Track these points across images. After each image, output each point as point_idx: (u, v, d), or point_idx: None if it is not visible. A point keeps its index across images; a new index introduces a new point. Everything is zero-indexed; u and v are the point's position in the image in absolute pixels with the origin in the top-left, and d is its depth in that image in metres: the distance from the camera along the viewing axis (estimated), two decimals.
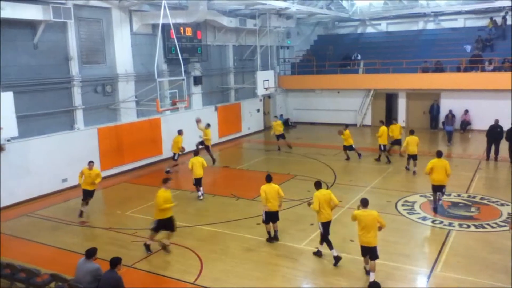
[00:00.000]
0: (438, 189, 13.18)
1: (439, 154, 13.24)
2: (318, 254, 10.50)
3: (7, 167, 14.59)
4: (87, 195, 13.52)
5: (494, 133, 18.74)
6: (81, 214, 13.68)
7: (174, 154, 18.44)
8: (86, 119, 17.51)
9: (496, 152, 18.75)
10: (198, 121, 19.73)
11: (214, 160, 19.65)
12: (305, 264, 10.35)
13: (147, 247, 11.00)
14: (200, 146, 19.73)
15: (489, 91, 24.36)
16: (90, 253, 8.22)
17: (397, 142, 19.36)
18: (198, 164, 14.75)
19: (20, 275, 9.06)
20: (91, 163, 13.48)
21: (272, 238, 11.45)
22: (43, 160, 15.75)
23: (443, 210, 13.33)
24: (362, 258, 9.66)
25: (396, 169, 18.33)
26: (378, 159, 19.42)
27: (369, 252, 9.09)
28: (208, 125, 19.96)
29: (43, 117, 16.07)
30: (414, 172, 17.20)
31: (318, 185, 10.54)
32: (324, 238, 10.23)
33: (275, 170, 18.66)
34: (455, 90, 25.60)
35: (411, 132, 17.61)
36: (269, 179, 11.41)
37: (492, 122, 19.17)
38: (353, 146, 19.65)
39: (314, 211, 10.18)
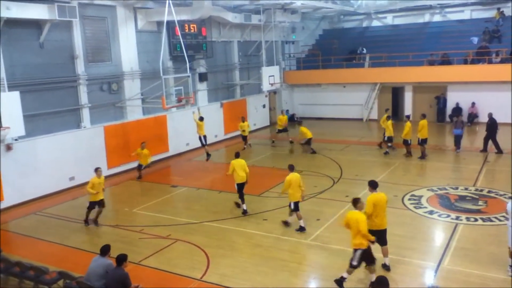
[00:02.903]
0: (424, 142, 18.43)
1: (407, 117, 20.41)
2: (242, 210, 13.23)
3: (14, 166, 14.73)
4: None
5: None
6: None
7: (278, 129, 22.90)
8: (93, 117, 17.60)
9: None
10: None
11: (208, 155, 19.69)
12: (312, 259, 10.38)
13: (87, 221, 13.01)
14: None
15: (497, 83, 24.12)
16: (105, 250, 8.30)
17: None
18: (241, 167, 13.26)
19: (29, 273, 9.16)
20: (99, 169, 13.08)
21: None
22: (50, 158, 15.86)
23: (450, 204, 13.28)
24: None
25: (402, 164, 18.27)
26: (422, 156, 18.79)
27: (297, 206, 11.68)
28: (201, 118, 19.49)
29: (50, 116, 16.17)
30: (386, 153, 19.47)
31: (236, 155, 13.54)
32: (239, 194, 13.22)
33: (281, 165, 18.62)
34: (462, 83, 25.42)
35: (388, 118, 19.72)
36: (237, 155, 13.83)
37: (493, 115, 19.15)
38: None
39: (228, 173, 13.21)
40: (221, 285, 9.29)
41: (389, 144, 19.84)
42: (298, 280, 9.50)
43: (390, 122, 19.62)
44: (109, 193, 16.33)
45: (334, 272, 9.57)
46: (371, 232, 9.26)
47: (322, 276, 9.67)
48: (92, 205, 12.87)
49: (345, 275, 8.75)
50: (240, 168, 13.09)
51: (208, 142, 20.20)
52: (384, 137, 19.95)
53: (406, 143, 18.95)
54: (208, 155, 19.66)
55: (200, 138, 19.41)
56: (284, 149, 22.41)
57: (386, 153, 19.55)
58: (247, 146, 22.48)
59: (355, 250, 8.64)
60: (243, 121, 22.40)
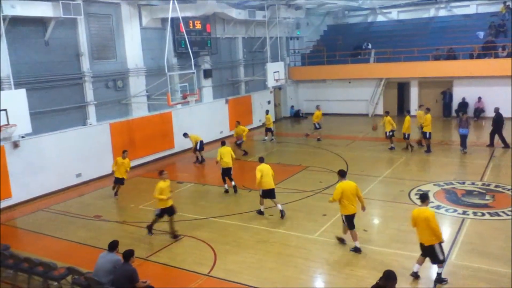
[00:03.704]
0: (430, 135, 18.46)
1: (408, 112, 20.72)
2: (224, 189, 15.09)
3: (22, 163, 14.81)
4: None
5: None
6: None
7: (314, 123, 22.43)
8: (98, 115, 17.64)
9: None
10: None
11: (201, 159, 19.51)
12: (318, 255, 10.37)
13: (150, 230, 11.73)
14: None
15: (503, 78, 23.97)
16: (113, 246, 8.35)
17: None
18: (227, 154, 14.88)
19: (37, 269, 9.22)
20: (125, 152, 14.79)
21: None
22: (57, 155, 15.94)
23: (457, 199, 13.23)
24: (375, 248, 10.22)
25: (408, 159, 18.22)
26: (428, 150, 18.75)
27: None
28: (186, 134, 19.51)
29: (56, 114, 16.23)
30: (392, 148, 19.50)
31: (222, 143, 15.26)
32: (222, 176, 15.02)
33: (287, 161, 18.71)
34: (468, 78, 25.29)
35: (387, 113, 19.82)
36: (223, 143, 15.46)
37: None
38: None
39: (217, 159, 14.85)
40: (228, 280, 9.32)
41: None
42: (305, 276, 9.50)
43: (429, 115, 18.56)
44: None
45: (340, 268, 9.61)
46: (344, 217, 10.14)
47: (329, 271, 9.67)
48: (162, 213, 11.47)
49: (439, 270, 8.79)
50: (226, 154, 14.66)
51: (214, 139, 20.22)
52: (424, 133, 18.75)
53: (405, 137, 19.07)
54: (198, 160, 19.38)
55: (197, 144, 19.15)
56: (289, 145, 22.39)
57: (391, 148, 19.50)
58: (268, 138, 22.98)
59: (432, 246, 8.61)
60: (267, 114, 23.17)
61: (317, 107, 23.12)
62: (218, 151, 14.93)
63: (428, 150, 18.62)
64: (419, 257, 8.91)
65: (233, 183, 14.95)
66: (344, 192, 9.99)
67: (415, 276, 8.93)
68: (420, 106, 21.06)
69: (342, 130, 24.88)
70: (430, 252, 8.66)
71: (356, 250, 10.16)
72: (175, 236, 11.51)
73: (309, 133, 23.12)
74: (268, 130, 22.95)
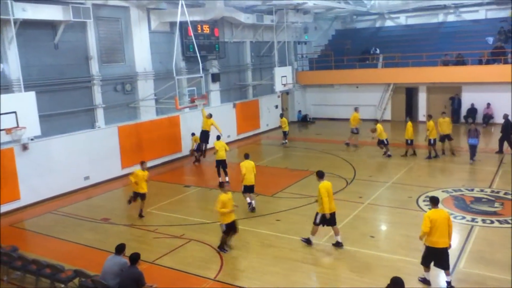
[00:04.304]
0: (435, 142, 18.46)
1: (410, 118, 20.17)
2: (219, 183, 14.13)
3: (30, 165, 14.90)
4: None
5: None
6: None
7: (352, 128, 21.69)
8: (107, 118, 17.73)
9: None
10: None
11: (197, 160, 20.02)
12: (325, 260, 10.34)
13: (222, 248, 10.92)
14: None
15: None
16: (120, 249, 8.37)
17: (447, 136, 18.86)
18: (221, 148, 16.16)
19: (45, 271, 9.26)
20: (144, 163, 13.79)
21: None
22: (66, 158, 16.02)
23: (465, 206, 13.13)
24: (382, 254, 10.15)
25: (416, 165, 18.12)
26: (430, 156, 18.68)
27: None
28: (210, 115, 19.61)
29: (65, 116, 16.33)
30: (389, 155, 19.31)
31: (217, 137, 16.55)
32: (217, 169, 16.34)
33: (294, 166, 18.70)
34: (477, 83, 25.13)
35: (377, 121, 20.17)
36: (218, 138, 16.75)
37: None
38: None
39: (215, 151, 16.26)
40: (235, 285, 9.31)
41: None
42: (311, 281, 9.49)
43: (431, 122, 18.40)
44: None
45: (347, 274, 9.57)
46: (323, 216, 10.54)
47: (335, 277, 9.63)
48: (228, 229, 10.74)
49: (448, 279, 8.75)
50: (221, 148, 16.03)
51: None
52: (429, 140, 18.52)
53: (407, 143, 19.13)
54: (197, 160, 19.97)
55: (198, 145, 19.87)
56: (296, 149, 22.35)
57: (387, 154, 19.39)
58: (285, 142, 23.18)
59: (447, 248, 8.66)
60: (282, 117, 23.57)
61: (356, 109, 22.10)
62: (214, 143, 16.37)
63: (430, 157, 18.61)
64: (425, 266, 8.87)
65: (226, 178, 16.00)
66: (328, 192, 10.44)
67: (428, 283, 8.89)
68: (442, 113, 20.01)
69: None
70: (444, 256, 8.60)
71: (338, 244, 10.70)
72: (222, 248, 10.93)
73: (348, 142, 21.92)
74: (283, 133, 23.18)
